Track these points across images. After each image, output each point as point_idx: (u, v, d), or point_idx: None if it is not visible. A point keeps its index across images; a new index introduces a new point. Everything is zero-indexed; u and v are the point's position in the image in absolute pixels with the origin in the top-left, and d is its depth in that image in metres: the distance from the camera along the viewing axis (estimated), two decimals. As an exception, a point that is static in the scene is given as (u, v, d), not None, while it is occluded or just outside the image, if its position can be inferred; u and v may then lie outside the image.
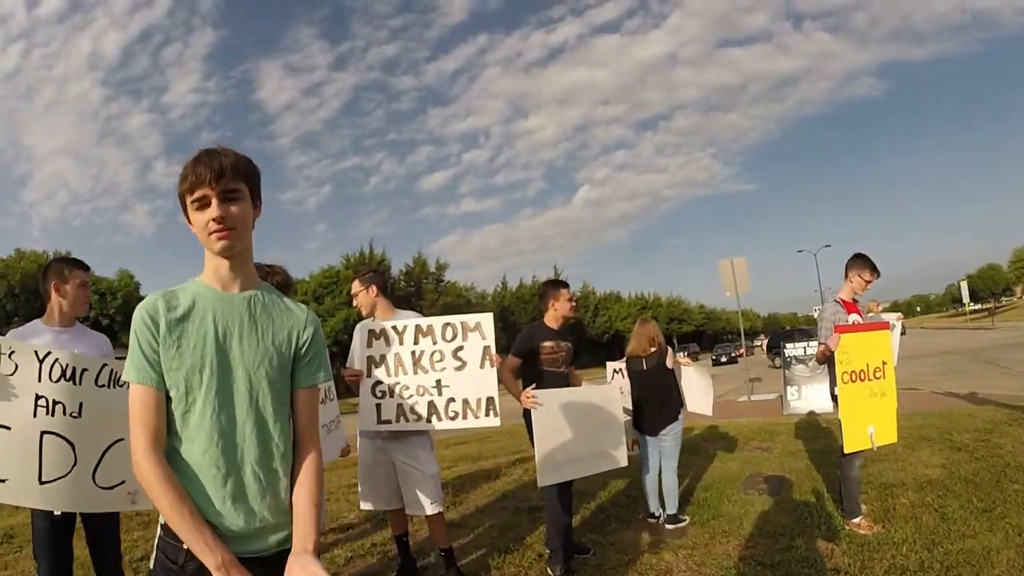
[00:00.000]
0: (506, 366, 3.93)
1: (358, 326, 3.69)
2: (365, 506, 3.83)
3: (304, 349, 1.58)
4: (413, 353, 3.57)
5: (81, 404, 2.47)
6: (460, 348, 3.56)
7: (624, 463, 3.96)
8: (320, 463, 1.57)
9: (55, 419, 2.40)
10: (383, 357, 3.59)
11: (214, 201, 1.42)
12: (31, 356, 2.41)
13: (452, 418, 3.51)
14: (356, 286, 3.78)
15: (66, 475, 2.40)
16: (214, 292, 1.49)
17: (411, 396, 3.54)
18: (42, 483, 2.35)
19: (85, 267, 3.00)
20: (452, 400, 3.52)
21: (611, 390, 4.10)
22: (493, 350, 3.57)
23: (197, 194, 1.42)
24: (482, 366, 3.54)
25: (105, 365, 2.67)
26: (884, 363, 4.14)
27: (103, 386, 2.62)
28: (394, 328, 3.59)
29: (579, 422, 3.71)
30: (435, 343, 3.58)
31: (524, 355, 3.97)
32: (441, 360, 3.55)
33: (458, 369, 3.54)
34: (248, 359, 1.47)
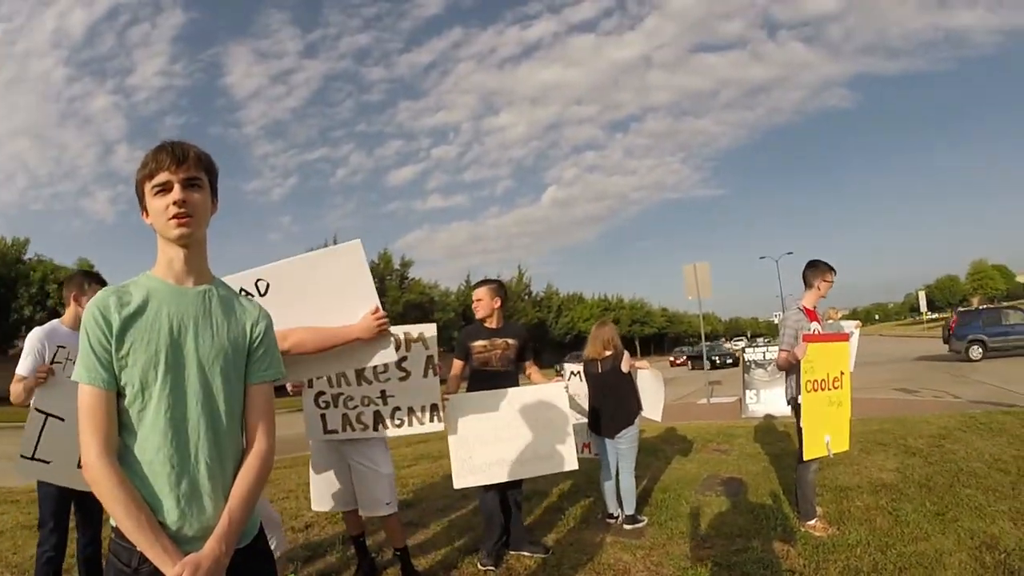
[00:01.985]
0: (452, 370, 4.02)
1: None
2: (318, 508, 3.72)
3: (257, 343, 1.55)
4: None
5: None
6: (404, 359, 3.52)
7: (574, 466, 3.74)
8: (268, 462, 1.53)
9: None
10: None
11: (176, 186, 1.41)
12: None
13: (398, 426, 3.55)
14: None
15: None
16: (167, 286, 1.45)
17: (356, 406, 3.48)
18: (79, 467, 2.58)
19: (103, 282, 3.27)
20: (398, 409, 3.53)
21: (553, 389, 3.86)
22: (436, 359, 3.57)
23: (159, 179, 1.41)
24: (425, 375, 3.55)
25: None
26: (842, 373, 4.18)
27: None
28: None
29: (505, 424, 3.69)
30: None
31: (462, 357, 4.04)
32: (385, 371, 3.50)
33: (402, 379, 3.53)
34: (203, 354, 1.43)
